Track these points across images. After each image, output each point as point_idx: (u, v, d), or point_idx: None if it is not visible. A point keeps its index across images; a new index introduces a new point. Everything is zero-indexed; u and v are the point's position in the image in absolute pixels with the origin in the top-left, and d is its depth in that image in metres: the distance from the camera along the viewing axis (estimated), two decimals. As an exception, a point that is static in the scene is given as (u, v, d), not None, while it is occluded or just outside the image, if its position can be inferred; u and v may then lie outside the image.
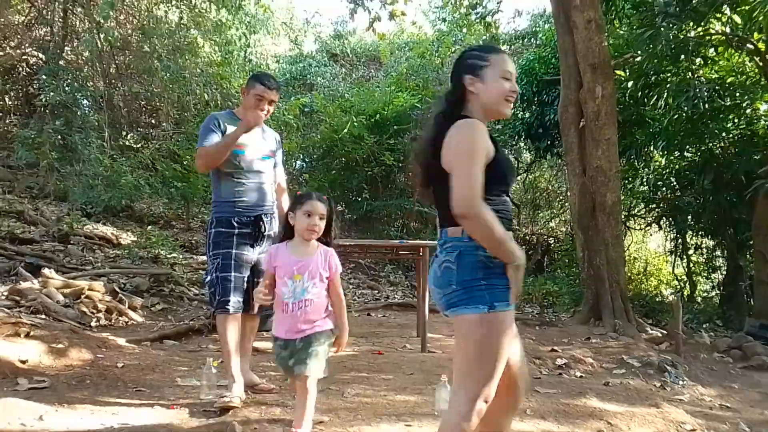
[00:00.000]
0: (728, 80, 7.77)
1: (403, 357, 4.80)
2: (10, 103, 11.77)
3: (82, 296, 5.48)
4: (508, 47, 14.46)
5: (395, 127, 11.79)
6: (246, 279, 3.33)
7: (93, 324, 5.20)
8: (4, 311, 4.42)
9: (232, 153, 3.32)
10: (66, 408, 3.03)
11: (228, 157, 3.31)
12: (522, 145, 13.13)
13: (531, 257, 14.45)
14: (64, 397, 3.21)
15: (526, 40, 13.40)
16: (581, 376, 4.52)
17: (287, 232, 2.69)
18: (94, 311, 5.40)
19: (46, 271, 5.83)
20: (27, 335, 4.02)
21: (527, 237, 15.56)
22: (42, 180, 9.68)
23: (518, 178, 15.82)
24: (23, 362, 3.66)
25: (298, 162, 14.14)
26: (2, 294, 5.25)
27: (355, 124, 11.23)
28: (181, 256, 8.41)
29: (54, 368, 3.73)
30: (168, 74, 9.76)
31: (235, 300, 3.24)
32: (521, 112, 11.48)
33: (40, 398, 3.11)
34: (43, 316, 4.82)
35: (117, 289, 6.04)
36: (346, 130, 11.23)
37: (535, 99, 10.29)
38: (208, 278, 3.32)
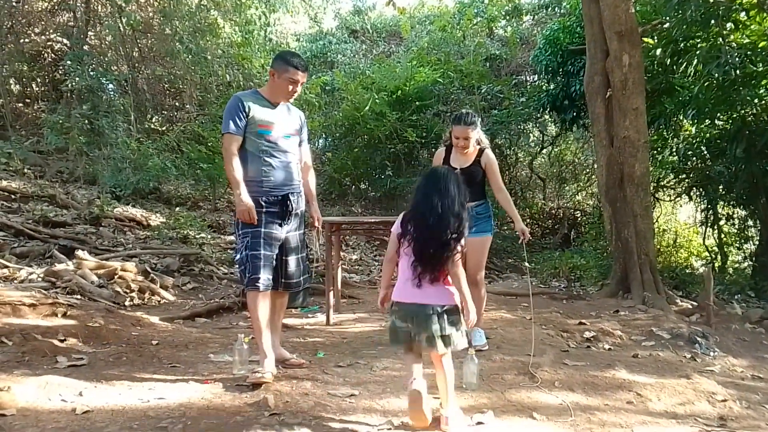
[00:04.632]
0: (760, 45, 7.49)
1: (430, 332, 4.82)
2: (37, 89, 11.95)
3: (116, 276, 5.63)
4: (532, 17, 14.18)
5: (417, 103, 11.68)
6: (275, 257, 3.37)
7: (127, 303, 5.34)
8: (41, 292, 4.56)
9: (259, 133, 3.34)
10: (104, 384, 3.12)
11: (254, 137, 3.33)
12: (547, 117, 12.92)
13: (557, 231, 14.32)
14: (102, 373, 3.31)
15: (550, 9, 13.09)
16: (610, 349, 4.50)
17: None
18: (128, 291, 5.53)
19: (79, 252, 5.98)
20: (64, 315, 4.16)
21: (553, 211, 15.40)
22: (72, 164, 9.87)
23: (543, 151, 15.62)
24: (61, 341, 3.79)
25: (321, 140, 14.13)
26: (38, 276, 5.41)
27: (377, 101, 11.15)
28: (209, 236, 8.54)
29: (91, 346, 3.85)
30: (190, 56, 9.80)
31: (265, 277, 3.28)
32: (546, 84, 11.27)
33: (79, 375, 3.22)
34: (79, 297, 4.97)
35: (148, 269, 6.18)
36: (367, 108, 11.16)
37: (560, 70, 10.08)
38: (238, 256, 3.37)
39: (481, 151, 4.13)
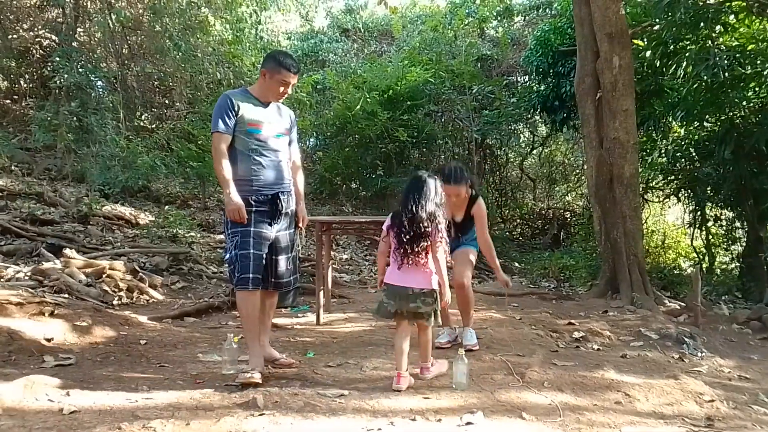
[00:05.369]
0: (749, 48, 7.57)
1: (420, 331, 4.82)
2: (25, 85, 11.84)
3: (104, 275, 5.58)
4: (523, 18, 14.23)
5: (408, 102, 11.68)
6: (265, 256, 3.35)
7: (115, 302, 5.30)
8: (28, 291, 4.51)
9: (248, 131, 3.32)
10: (92, 384, 3.10)
11: (244, 135, 3.31)
12: (538, 118, 12.97)
13: (547, 232, 14.38)
14: (90, 373, 3.29)
15: (541, 10, 13.13)
16: (598, 349, 4.52)
17: None
18: (116, 290, 5.49)
19: (67, 251, 5.93)
20: (51, 314, 4.11)
21: (543, 212, 15.47)
22: (60, 162, 9.78)
23: (534, 152, 15.69)
24: (48, 340, 3.75)
25: (312, 140, 14.11)
26: (26, 274, 5.36)
27: (368, 100, 11.14)
28: (198, 235, 8.50)
29: (78, 346, 3.82)
30: (180, 54, 9.73)
31: (254, 277, 3.26)
32: (536, 85, 11.32)
33: (66, 375, 3.19)
34: (66, 296, 4.92)
35: (137, 268, 6.13)
36: (359, 107, 11.15)
37: (551, 71, 10.12)
38: (228, 256, 3.35)
39: (473, 200, 4.12)
